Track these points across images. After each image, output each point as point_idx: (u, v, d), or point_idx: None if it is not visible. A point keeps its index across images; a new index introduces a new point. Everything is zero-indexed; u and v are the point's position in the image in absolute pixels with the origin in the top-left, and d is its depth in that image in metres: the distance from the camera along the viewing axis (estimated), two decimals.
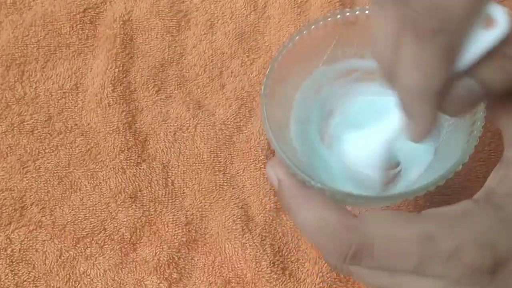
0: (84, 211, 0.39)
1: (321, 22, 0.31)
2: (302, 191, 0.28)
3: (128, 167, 0.40)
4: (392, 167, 0.32)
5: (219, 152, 0.40)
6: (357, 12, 0.30)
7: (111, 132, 0.40)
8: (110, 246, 0.38)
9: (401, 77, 0.24)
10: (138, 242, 0.38)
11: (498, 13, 0.22)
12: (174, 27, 0.44)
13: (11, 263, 0.37)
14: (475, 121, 0.28)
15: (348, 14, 0.30)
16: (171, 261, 0.37)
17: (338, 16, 0.30)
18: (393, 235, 0.25)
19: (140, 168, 0.40)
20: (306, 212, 0.27)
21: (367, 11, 0.30)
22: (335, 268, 0.29)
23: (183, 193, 0.40)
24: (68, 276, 0.37)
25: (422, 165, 0.31)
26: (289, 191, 0.28)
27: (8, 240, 0.38)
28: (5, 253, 0.38)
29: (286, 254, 0.38)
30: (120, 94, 0.42)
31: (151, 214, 0.39)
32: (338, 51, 0.32)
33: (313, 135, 0.34)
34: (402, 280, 0.26)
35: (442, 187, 0.38)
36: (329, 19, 0.31)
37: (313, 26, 0.31)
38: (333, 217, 0.26)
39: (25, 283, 0.37)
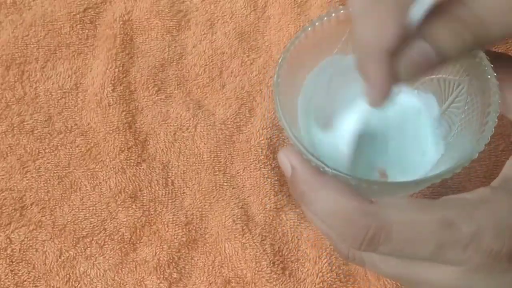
0: (84, 211, 0.39)
1: (333, 14, 0.31)
2: (317, 177, 0.27)
3: (128, 167, 0.40)
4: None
5: (219, 152, 0.40)
6: None
7: (111, 132, 0.40)
8: (110, 246, 0.38)
9: (355, 34, 0.25)
10: (138, 242, 0.38)
11: None
12: (174, 27, 0.44)
13: (11, 263, 0.37)
14: (489, 112, 0.28)
15: None
16: (171, 261, 0.37)
17: (350, 9, 0.30)
18: (412, 220, 0.25)
19: (140, 168, 0.40)
20: (321, 198, 0.27)
21: None
22: (347, 257, 0.29)
23: (183, 193, 0.40)
24: (68, 276, 0.37)
25: (431, 160, 0.31)
26: (303, 178, 0.28)
27: (8, 240, 0.38)
28: (5, 253, 0.38)
29: (286, 254, 0.38)
30: (120, 94, 0.42)
31: (151, 214, 0.39)
32: (348, 45, 0.32)
33: (317, 127, 0.34)
34: (418, 268, 0.26)
35: (442, 187, 0.38)
36: (342, 11, 0.31)
37: (325, 18, 0.31)
38: (350, 201, 0.26)
39: (25, 283, 0.37)
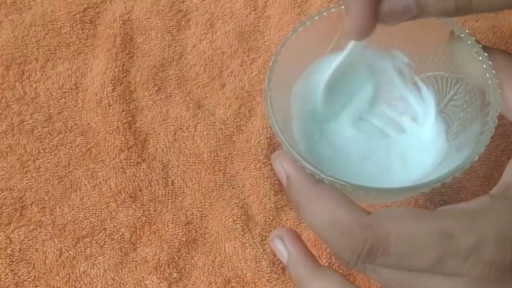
0: (84, 210, 0.39)
1: (324, 13, 0.30)
2: (312, 187, 0.27)
3: (128, 166, 0.40)
4: None
5: (219, 152, 0.40)
6: None
7: (111, 131, 0.40)
8: (110, 245, 0.38)
9: None
10: (138, 241, 0.38)
11: None
12: (174, 27, 0.44)
13: (11, 263, 0.37)
14: (489, 112, 0.27)
15: None
16: (171, 260, 0.38)
17: (342, 7, 0.30)
18: (410, 232, 0.24)
19: (140, 168, 0.40)
20: (318, 210, 0.26)
21: None
22: (348, 263, 0.28)
23: (183, 192, 0.40)
24: (68, 275, 0.37)
25: (432, 160, 0.31)
26: (298, 188, 0.27)
27: (8, 239, 0.38)
28: (5, 252, 0.38)
29: None
30: (120, 93, 0.42)
31: (151, 214, 0.39)
32: (342, 42, 0.32)
33: (315, 131, 0.33)
34: (419, 279, 0.25)
35: (442, 186, 0.38)
36: (333, 9, 0.30)
37: (316, 17, 0.30)
38: (347, 214, 0.25)
39: (25, 282, 0.37)
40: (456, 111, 0.31)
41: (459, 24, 0.29)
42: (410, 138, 0.33)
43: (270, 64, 0.30)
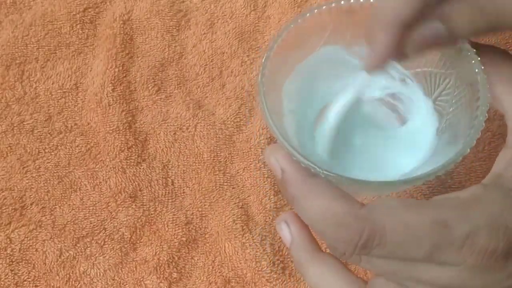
0: (84, 210, 0.39)
1: (315, 11, 0.30)
2: (307, 181, 0.27)
3: (128, 166, 0.40)
4: None
5: (219, 152, 0.40)
6: (351, 1, 0.30)
7: (111, 131, 0.40)
8: (110, 245, 0.38)
9: (379, 1, 0.26)
10: (138, 241, 0.38)
11: None
12: (174, 27, 0.44)
13: (11, 263, 0.37)
14: (478, 107, 0.27)
15: (342, 2, 0.30)
16: (171, 260, 0.37)
17: (333, 5, 0.30)
18: (405, 222, 0.24)
19: (140, 168, 0.40)
20: (313, 202, 0.26)
21: (361, 0, 0.30)
22: (343, 256, 0.28)
23: (183, 192, 0.40)
24: (68, 275, 0.37)
25: (424, 150, 0.31)
26: (293, 181, 0.27)
27: (8, 239, 0.38)
28: (5, 252, 0.38)
29: (286, 253, 0.38)
30: (120, 93, 0.42)
31: (151, 214, 0.39)
32: (332, 40, 0.32)
33: (305, 128, 0.33)
34: (415, 268, 0.25)
35: (443, 186, 0.38)
36: (324, 7, 0.30)
37: (307, 15, 0.30)
38: (342, 206, 0.25)
39: (25, 282, 0.37)
40: (445, 106, 0.31)
41: None
42: (402, 133, 0.33)
43: (263, 60, 0.30)
